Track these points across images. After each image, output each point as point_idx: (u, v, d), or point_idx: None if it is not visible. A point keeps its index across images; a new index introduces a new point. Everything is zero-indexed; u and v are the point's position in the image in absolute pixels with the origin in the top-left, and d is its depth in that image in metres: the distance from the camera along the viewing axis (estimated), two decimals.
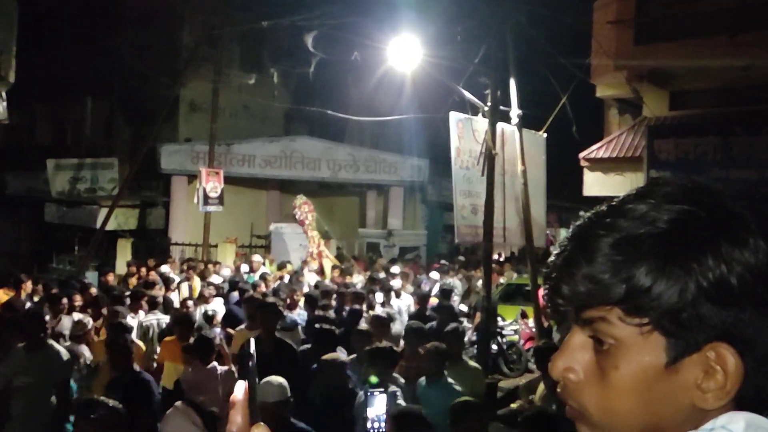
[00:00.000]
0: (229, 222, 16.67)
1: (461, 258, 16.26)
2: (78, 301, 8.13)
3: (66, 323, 7.26)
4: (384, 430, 1.48)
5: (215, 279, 11.04)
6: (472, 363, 6.21)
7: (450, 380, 5.48)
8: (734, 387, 0.71)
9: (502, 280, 14.06)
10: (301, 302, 8.99)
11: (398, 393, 4.92)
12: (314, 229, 14.66)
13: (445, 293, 10.39)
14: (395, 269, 13.01)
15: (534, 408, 3.60)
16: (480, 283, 12.09)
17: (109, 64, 18.42)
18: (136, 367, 5.51)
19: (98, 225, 14.95)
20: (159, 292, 9.30)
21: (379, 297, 9.84)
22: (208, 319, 7.86)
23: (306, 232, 14.46)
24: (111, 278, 11.26)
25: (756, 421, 0.70)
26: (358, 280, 12.23)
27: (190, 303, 9.02)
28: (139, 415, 4.49)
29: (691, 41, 10.88)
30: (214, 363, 5.55)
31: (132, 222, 17.94)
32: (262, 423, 0.78)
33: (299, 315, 8.52)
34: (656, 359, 0.73)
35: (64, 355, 5.43)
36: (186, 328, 6.53)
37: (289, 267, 12.54)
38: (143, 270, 12.01)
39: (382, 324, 7.02)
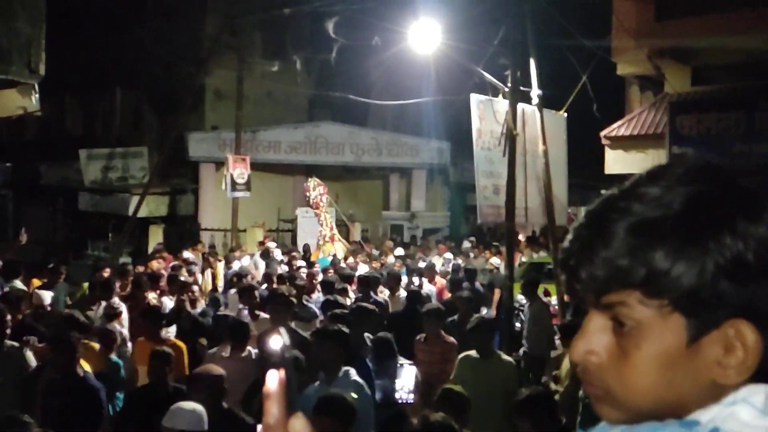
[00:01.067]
0: (257, 207, 17.02)
1: (472, 238, 16.43)
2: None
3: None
4: (411, 400, 1.47)
5: (235, 265, 11.23)
6: (506, 357, 5.85)
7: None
8: (755, 362, 0.72)
9: (523, 258, 14.19)
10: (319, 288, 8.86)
11: None
12: (326, 212, 14.82)
13: (470, 274, 10.55)
14: (399, 251, 13.25)
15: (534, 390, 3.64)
16: (494, 260, 12.27)
17: (136, 55, 18.80)
18: (85, 369, 4.77)
19: (130, 212, 15.36)
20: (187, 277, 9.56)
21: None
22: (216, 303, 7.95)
23: (318, 215, 14.52)
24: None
25: None
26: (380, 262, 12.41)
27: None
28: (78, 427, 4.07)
29: (714, 15, 10.81)
30: (249, 348, 5.36)
31: (163, 209, 18.39)
32: (300, 413, 0.75)
33: (316, 303, 7.93)
34: (677, 339, 0.74)
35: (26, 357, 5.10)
36: (153, 322, 6.11)
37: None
38: (167, 255, 12.31)
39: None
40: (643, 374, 0.75)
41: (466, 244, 15.37)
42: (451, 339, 6.29)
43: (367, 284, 8.33)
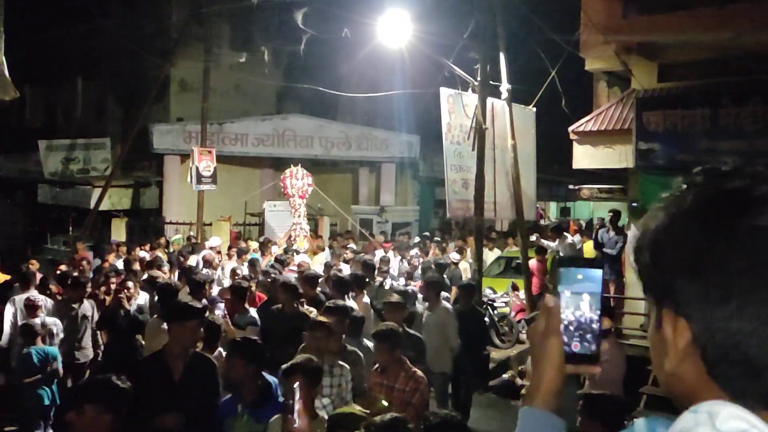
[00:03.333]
0: (223, 200, 16.74)
1: (426, 233, 16.47)
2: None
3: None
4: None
5: (192, 260, 11.04)
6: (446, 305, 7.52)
7: None
8: (677, 351, 0.82)
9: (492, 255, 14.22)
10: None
11: None
12: (305, 204, 14.59)
13: (440, 269, 10.49)
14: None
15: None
16: (452, 255, 12.25)
17: (99, 45, 18.33)
18: None
19: (92, 205, 15.01)
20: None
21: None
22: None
23: (297, 206, 14.20)
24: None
25: (738, 413, 0.74)
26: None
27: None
28: None
29: (680, 13, 10.90)
30: (219, 349, 5.30)
31: (126, 202, 18.00)
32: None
33: None
34: (654, 323, 0.88)
35: None
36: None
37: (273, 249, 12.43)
38: (123, 249, 12.10)
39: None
40: (651, 355, 0.90)
41: (416, 240, 15.33)
42: (419, 373, 5.00)
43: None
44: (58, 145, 17.77)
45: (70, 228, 17.69)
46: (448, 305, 7.80)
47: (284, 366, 3.73)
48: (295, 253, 11.91)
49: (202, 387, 4.25)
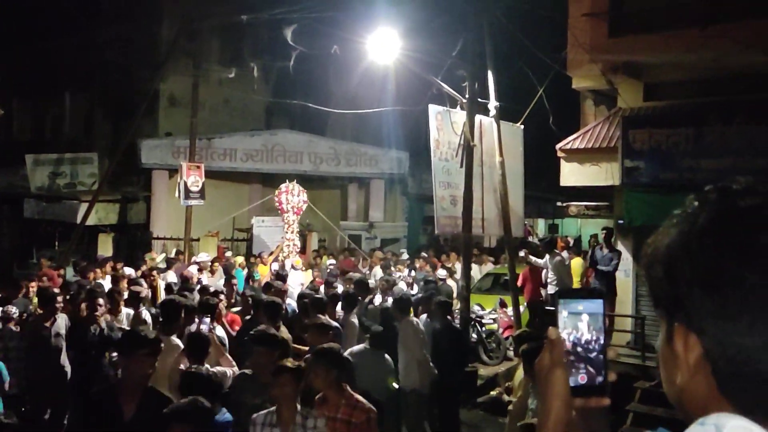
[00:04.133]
0: (211, 216, 16.69)
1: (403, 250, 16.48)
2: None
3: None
4: None
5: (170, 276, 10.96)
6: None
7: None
8: (688, 365, 0.84)
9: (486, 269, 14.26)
10: None
11: None
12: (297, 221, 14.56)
13: (428, 285, 10.53)
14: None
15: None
16: (439, 272, 12.31)
17: (89, 59, 18.32)
18: None
19: (79, 220, 14.91)
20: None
21: None
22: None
23: (290, 222, 14.14)
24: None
25: (744, 426, 0.76)
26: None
27: None
28: None
29: (664, 33, 11.05)
30: (207, 365, 5.15)
31: (113, 217, 17.89)
32: None
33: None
34: (663, 336, 0.90)
35: None
36: None
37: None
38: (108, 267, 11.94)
39: None
40: (660, 369, 0.91)
41: (404, 256, 15.34)
42: (363, 401, 4.55)
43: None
44: (46, 160, 17.67)
45: (57, 243, 17.54)
46: (414, 319, 7.73)
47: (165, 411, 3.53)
48: (291, 269, 11.93)
49: (155, 429, 3.66)
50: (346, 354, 6.64)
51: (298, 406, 4.13)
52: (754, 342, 0.78)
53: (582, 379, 1.06)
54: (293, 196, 14.10)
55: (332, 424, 4.29)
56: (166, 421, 3.44)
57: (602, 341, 1.05)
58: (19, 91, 20.39)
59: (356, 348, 6.77)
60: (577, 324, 1.06)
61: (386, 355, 6.65)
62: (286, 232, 14.02)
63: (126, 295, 8.20)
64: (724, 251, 0.80)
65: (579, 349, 1.05)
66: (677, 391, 0.87)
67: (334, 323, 6.99)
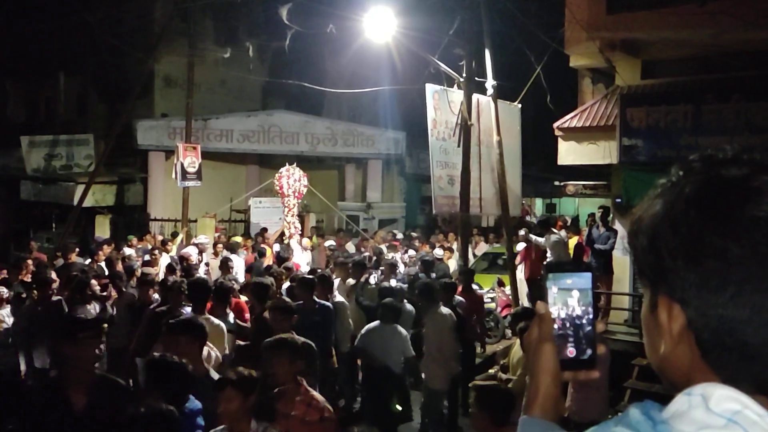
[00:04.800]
0: (208, 197, 16.66)
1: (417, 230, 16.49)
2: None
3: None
4: None
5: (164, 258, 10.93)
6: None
7: None
8: (671, 335, 0.84)
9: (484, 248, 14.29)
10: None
11: None
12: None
13: (427, 266, 10.52)
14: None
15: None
16: (437, 252, 12.33)
17: (82, 40, 18.12)
18: None
19: (75, 202, 14.87)
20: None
21: None
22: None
23: (291, 206, 14.14)
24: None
25: (731, 395, 0.77)
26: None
27: None
28: None
29: (662, 10, 10.98)
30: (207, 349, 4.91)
31: (110, 198, 17.85)
32: None
33: None
34: (647, 305, 0.89)
35: None
36: None
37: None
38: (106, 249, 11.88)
39: None
40: (644, 337, 0.92)
41: (399, 236, 15.39)
42: (318, 398, 4.17)
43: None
44: (41, 141, 17.59)
45: (54, 225, 17.53)
46: (444, 309, 7.14)
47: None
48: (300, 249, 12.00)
49: (112, 419, 3.35)
50: (362, 332, 6.86)
51: (253, 423, 3.56)
52: (738, 314, 0.78)
53: (571, 352, 1.05)
54: (295, 181, 14.06)
55: (286, 421, 3.95)
56: (119, 410, 3.19)
57: (591, 315, 1.05)
58: (12, 73, 20.25)
59: (370, 325, 6.90)
60: (565, 298, 1.06)
61: (398, 327, 6.80)
62: (287, 216, 14.01)
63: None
64: (708, 222, 0.80)
65: (567, 323, 1.05)
66: (660, 360, 0.87)
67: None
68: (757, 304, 0.77)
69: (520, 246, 11.86)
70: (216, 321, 5.74)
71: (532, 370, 1.08)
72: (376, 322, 6.87)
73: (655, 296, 0.87)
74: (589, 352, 1.05)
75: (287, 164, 14.23)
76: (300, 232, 14.01)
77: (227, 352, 5.61)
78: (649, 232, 0.86)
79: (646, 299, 0.90)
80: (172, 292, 6.35)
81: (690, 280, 0.81)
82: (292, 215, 14.02)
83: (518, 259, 11.84)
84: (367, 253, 12.38)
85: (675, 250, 0.82)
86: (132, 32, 17.14)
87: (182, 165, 14.23)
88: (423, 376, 6.93)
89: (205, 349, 4.63)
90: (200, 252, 11.11)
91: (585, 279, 1.06)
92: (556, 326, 1.06)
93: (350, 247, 14.20)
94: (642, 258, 0.88)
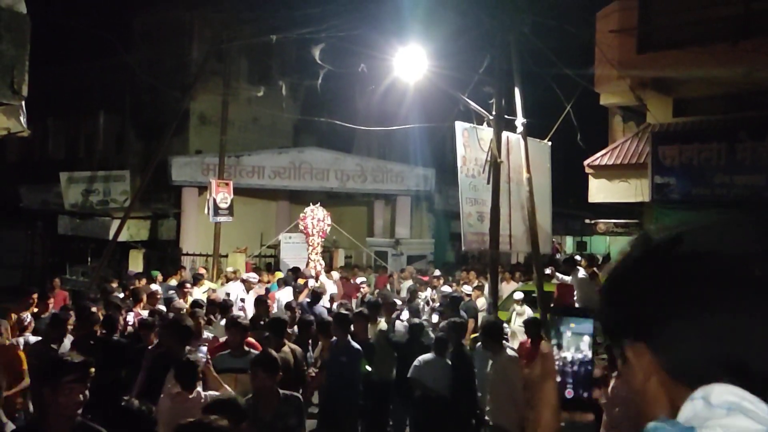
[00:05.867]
0: (240, 232, 16.87)
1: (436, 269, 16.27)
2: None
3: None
4: None
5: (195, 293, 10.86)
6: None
7: None
8: (645, 365, 0.97)
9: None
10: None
11: None
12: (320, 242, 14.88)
13: (455, 302, 10.46)
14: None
15: None
16: (465, 288, 12.25)
17: (121, 79, 18.77)
18: None
19: (110, 236, 15.17)
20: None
21: None
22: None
23: (315, 245, 14.53)
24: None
25: (729, 389, 0.88)
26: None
27: None
28: None
29: (694, 49, 10.98)
30: (199, 389, 4.78)
31: (144, 233, 18.18)
32: None
33: None
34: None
35: None
36: None
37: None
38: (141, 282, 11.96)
39: None
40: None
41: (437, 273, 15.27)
42: None
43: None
44: (79, 177, 18.07)
45: (89, 259, 17.87)
46: (512, 353, 6.79)
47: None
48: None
49: None
50: (416, 363, 7.00)
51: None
52: (685, 348, 0.94)
53: (569, 393, 1.09)
54: (318, 221, 14.38)
55: None
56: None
57: (589, 360, 1.13)
58: (53, 111, 20.94)
59: (425, 357, 7.05)
60: (568, 341, 1.15)
61: (447, 360, 7.03)
62: (311, 254, 14.28)
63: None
64: (651, 281, 0.98)
65: (567, 365, 1.15)
66: (640, 394, 0.99)
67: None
68: (698, 335, 0.93)
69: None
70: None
71: (534, 404, 1.14)
72: (429, 354, 7.06)
73: (623, 347, 1.00)
74: (585, 394, 1.08)
75: (311, 204, 14.50)
76: (326, 269, 14.17)
77: None
78: (607, 294, 1.05)
79: (620, 363, 1.02)
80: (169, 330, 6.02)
81: (645, 324, 0.97)
82: (316, 253, 14.25)
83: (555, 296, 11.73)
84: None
85: (630, 303, 1.00)
86: (169, 72, 17.69)
87: (215, 201, 14.48)
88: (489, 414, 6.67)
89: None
90: (247, 289, 11.07)
91: (586, 325, 1.12)
92: (557, 366, 1.13)
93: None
94: (606, 318, 1.03)
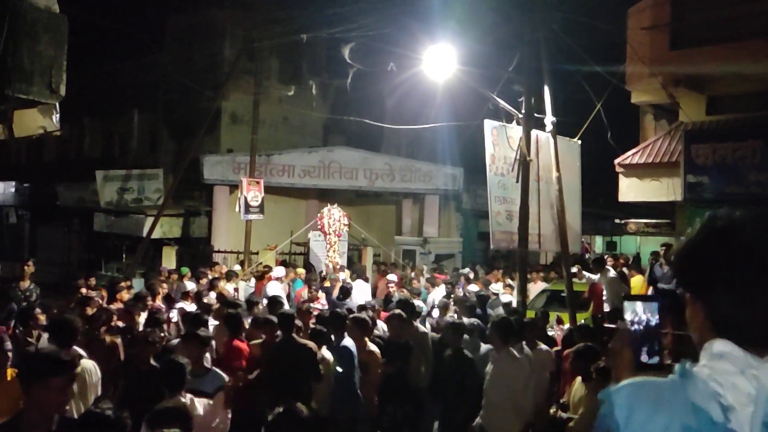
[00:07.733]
0: (270, 230, 17.08)
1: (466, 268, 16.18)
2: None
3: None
4: None
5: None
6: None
7: None
8: (691, 321, 1.38)
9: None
10: None
11: None
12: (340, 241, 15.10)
13: (482, 301, 10.48)
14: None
15: None
16: (493, 287, 12.22)
17: (154, 79, 19.13)
18: None
19: (144, 233, 15.48)
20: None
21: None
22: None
23: (332, 243, 14.77)
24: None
25: (724, 342, 1.27)
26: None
27: None
28: None
29: (727, 45, 10.82)
30: (189, 396, 4.65)
31: (176, 230, 18.52)
32: None
33: None
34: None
35: None
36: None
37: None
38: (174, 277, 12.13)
39: None
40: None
41: (465, 270, 15.22)
42: None
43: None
44: (114, 176, 18.48)
45: (124, 256, 18.26)
46: (515, 353, 6.22)
47: None
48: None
49: None
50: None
51: None
52: (729, 309, 1.28)
53: (644, 359, 1.48)
54: (334, 221, 14.57)
55: None
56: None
57: (658, 329, 1.47)
58: (89, 111, 21.44)
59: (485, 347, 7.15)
60: (638, 316, 1.50)
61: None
62: (328, 252, 14.49)
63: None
64: (708, 256, 1.34)
65: (641, 336, 1.49)
66: (694, 335, 1.36)
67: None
68: (739, 302, 1.28)
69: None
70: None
71: (615, 369, 1.58)
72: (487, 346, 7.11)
73: (686, 297, 1.38)
74: (657, 358, 1.47)
75: (328, 204, 14.72)
76: (345, 268, 14.26)
77: None
78: (678, 261, 1.43)
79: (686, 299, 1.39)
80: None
81: (702, 288, 1.34)
82: (334, 251, 14.44)
83: (586, 295, 11.66)
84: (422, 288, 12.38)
85: (693, 271, 1.38)
86: (201, 71, 17.98)
87: (246, 199, 14.69)
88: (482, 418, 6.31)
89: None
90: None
91: (652, 305, 1.52)
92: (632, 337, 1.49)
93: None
94: (678, 275, 1.44)
